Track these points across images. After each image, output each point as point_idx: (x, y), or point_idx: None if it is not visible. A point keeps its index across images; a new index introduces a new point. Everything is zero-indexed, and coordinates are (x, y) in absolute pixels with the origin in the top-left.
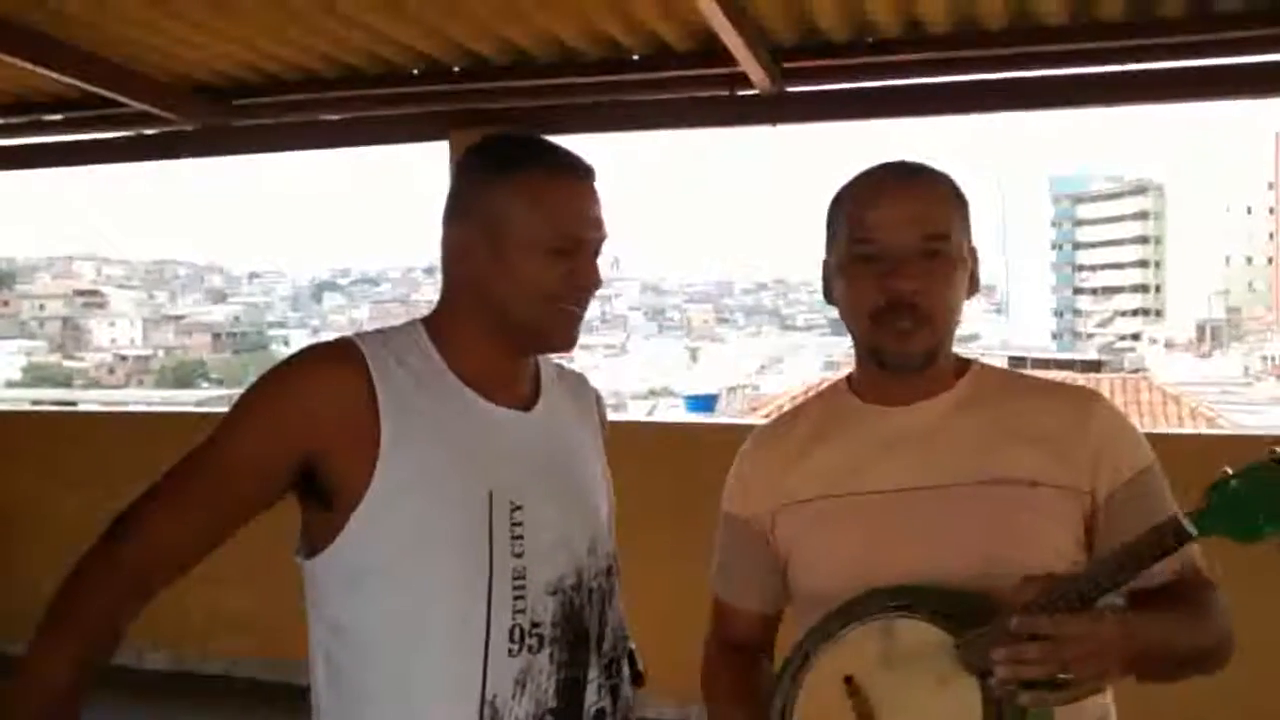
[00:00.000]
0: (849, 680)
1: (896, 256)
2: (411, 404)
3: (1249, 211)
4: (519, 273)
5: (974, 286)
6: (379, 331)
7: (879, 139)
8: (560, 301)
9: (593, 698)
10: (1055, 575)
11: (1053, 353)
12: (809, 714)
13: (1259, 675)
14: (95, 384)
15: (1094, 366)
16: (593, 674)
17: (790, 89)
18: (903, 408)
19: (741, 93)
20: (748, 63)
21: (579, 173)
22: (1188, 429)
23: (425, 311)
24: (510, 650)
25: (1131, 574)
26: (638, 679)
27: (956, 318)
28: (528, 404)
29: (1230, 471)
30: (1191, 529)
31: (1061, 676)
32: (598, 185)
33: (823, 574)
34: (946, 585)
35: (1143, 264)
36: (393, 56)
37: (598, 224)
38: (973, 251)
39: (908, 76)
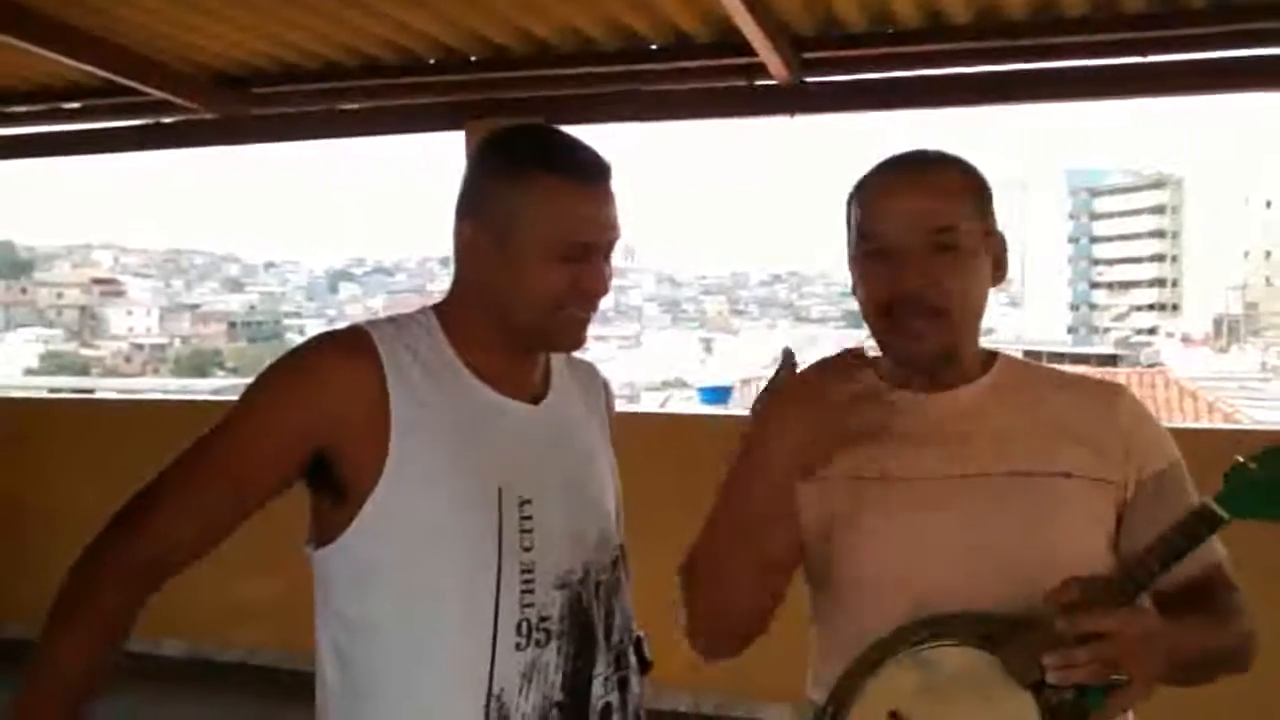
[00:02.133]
0: (894, 715)
1: (902, 252)
2: (422, 396)
3: (1268, 205)
4: (525, 277)
5: (1000, 273)
6: (391, 320)
7: (897, 130)
8: (566, 307)
9: (599, 691)
10: (1094, 576)
11: (1068, 347)
12: None
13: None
14: (112, 372)
15: (1110, 361)
16: (600, 668)
17: (809, 79)
18: (929, 395)
19: (760, 83)
20: (766, 53)
21: (591, 175)
22: (1205, 424)
23: (439, 299)
24: (518, 644)
25: (1169, 564)
26: (645, 665)
27: (977, 309)
28: (538, 397)
29: (1242, 459)
30: (1223, 513)
31: (1115, 677)
32: (612, 184)
33: (852, 560)
34: (974, 609)
35: (1160, 258)
36: (411, 46)
37: (608, 227)
38: (997, 237)
39: (927, 67)
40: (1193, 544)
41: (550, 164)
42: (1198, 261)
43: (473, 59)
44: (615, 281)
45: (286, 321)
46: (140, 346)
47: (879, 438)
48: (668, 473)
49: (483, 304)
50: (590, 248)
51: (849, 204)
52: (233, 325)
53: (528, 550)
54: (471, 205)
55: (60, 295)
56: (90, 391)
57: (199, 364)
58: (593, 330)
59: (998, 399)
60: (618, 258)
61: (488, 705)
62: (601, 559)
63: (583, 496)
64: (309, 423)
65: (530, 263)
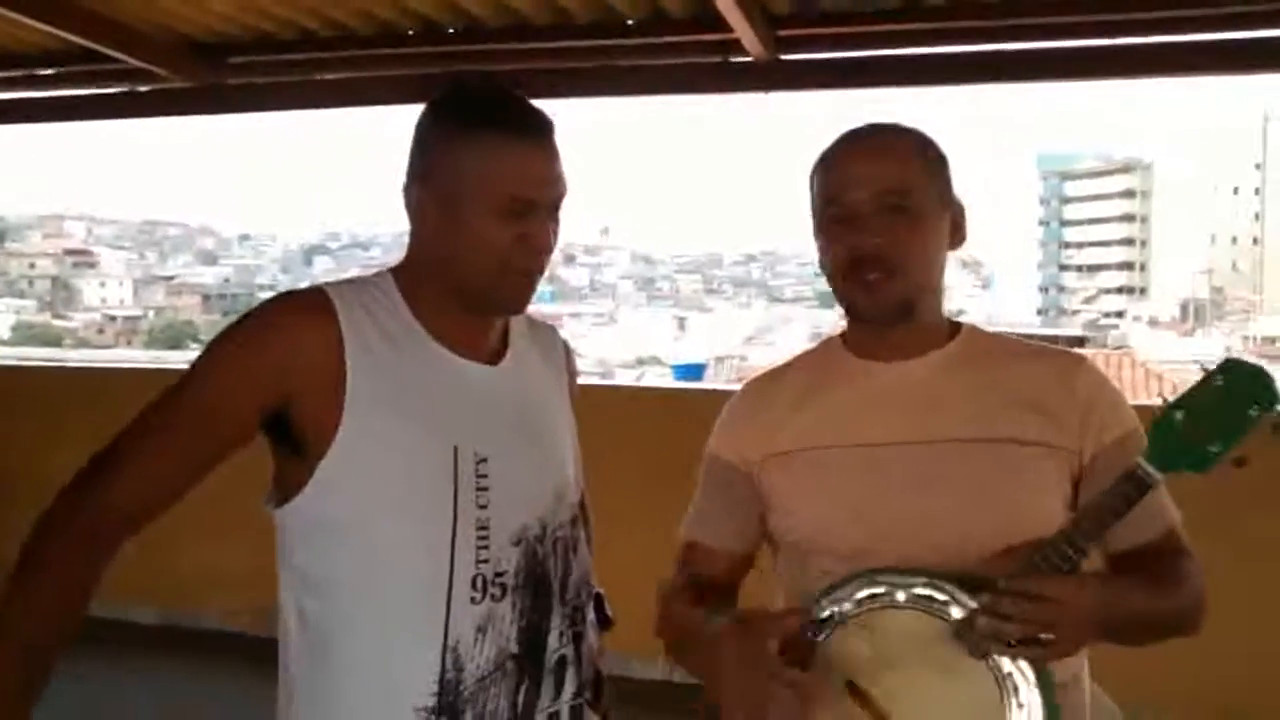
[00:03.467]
0: (852, 686)
1: (857, 214)
2: (379, 356)
3: (1235, 191)
4: (471, 237)
5: (959, 237)
6: (350, 281)
7: (871, 109)
8: (513, 265)
9: (554, 645)
10: (1035, 543)
11: (1037, 329)
12: None
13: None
14: (85, 344)
15: (1078, 343)
16: (555, 621)
17: (784, 57)
18: (895, 363)
19: (735, 59)
20: (742, 29)
21: (531, 131)
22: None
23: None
24: (473, 598)
25: (1105, 528)
26: (605, 623)
27: (932, 268)
28: (496, 357)
29: (1169, 401)
30: (1156, 474)
31: (1043, 637)
32: (555, 140)
33: (812, 525)
34: (926, 567)
35: (1128, 242)
36: (388, 17)
37: (552, 182)
38: (954, 203)
39: (903, 46)
40: (1126, 508)
41: (490, 121)
42: (1166, 246)
43: (449, 31)
44: (590, 260)
45: (261, 295)
46: (113, 318)
47: (839, 407)
48: (640, 445)
49: (434, 265)
50: (534, 203)
51: (812, 176)
52: (207, 298)
53: (483, 508)
54: (418, 168)
55: (32, 265)
56: (63, 362)
57: (173, 336)
58: (568, 307)
59: (958, 367)
60: (593, 236)
61: (444, 657)
62: (559, 516)
63: (540, 455)
64: (266, 378)
65: (475, 220)
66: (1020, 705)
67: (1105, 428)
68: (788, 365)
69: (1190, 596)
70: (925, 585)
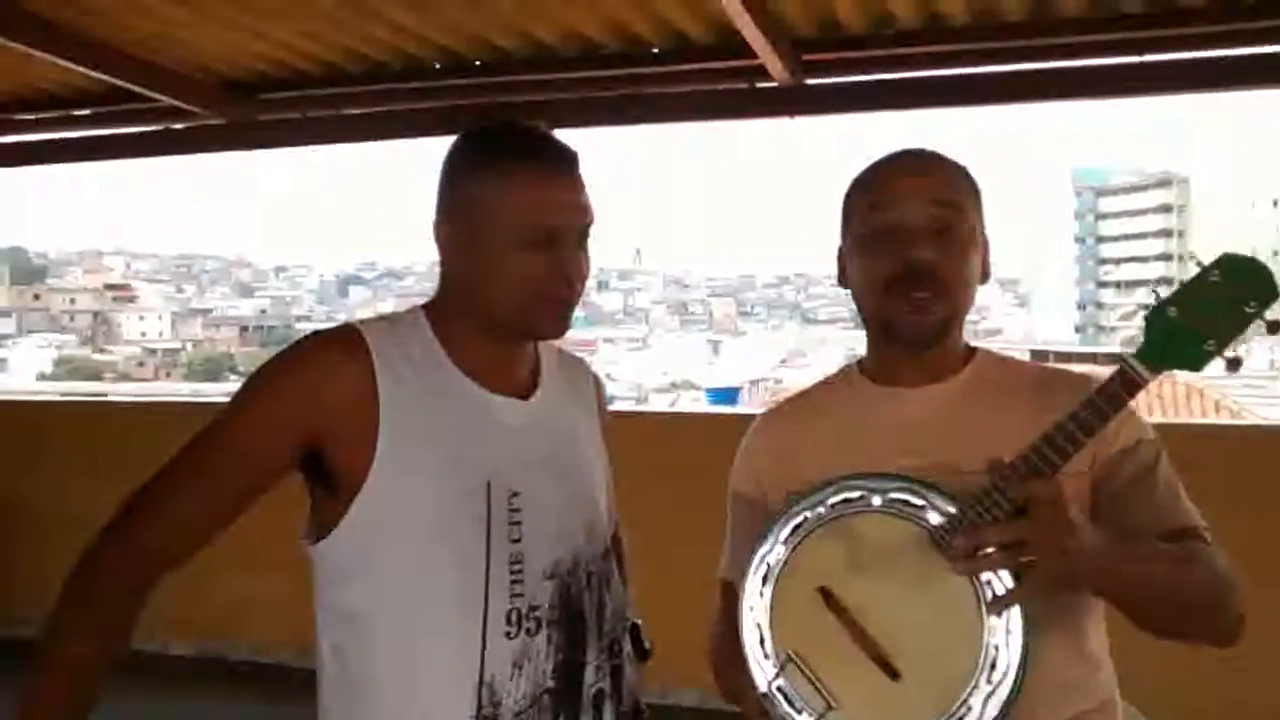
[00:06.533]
0: (824, 592)
1: (912, 227)
2: (412, 393)
3: (1274, 204)
4: (501, 268)
5: (985, 274)
6: (383, 319)
7: (899, 131)
8: (545, 294)
9: (591, 679)
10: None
11: (1075, 346)
12: (792, 634)
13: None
14: (125, 377)
15: (1116, 360)
16: (591, 655)
17: (809, 81)
18: (911, 390)
19: (761, 85)
20: (767, 55)
21: (555, 161)
22: (1210, 420)
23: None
24: (508, 633)
25: (1086, 429)
26: (643, 654)
27: (970, 296)
28: (527, 392)
29: (1162, 297)
30: (1144, 371)
31: (1024, 559)
32: (579, 170)
33: None
34: (901, 472)
35: (1166, 257)
36: (416, 51)
37: (577, 210)
38: (985, 239)
39: (927, 68)
40: (1112, 409)
41: (513, 153)
42: (1204, 260)
43: (476, 63)
44: (623, 284)
45: (298, 326)
46: (153, 351)
47: (858, 436)
48: (676, 472)
49: (465, 300)
50: (560, 232)
51: (850, 193)
52: (244, 329)
53: (516, 542)
54: (445, 204)
55: (73, 301)
56: (104, 396)
57: (211, 368)
58: (601, 332)
59: (974, 395)
60: (625, 260)
61: (479, 692)
62: (592, 549)
63: (572, 489)
64: (301, 416)
65: (503, 252)
66: (999, 615)
67: (1115, 440)
68: (805, 394)
69: (1206, 579)
70: (901, 490)
